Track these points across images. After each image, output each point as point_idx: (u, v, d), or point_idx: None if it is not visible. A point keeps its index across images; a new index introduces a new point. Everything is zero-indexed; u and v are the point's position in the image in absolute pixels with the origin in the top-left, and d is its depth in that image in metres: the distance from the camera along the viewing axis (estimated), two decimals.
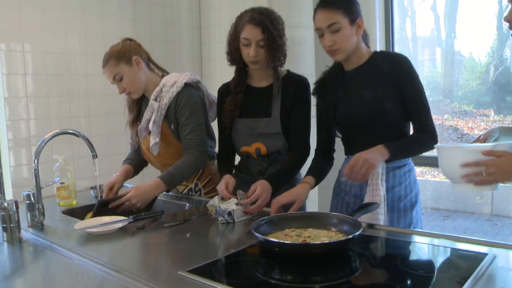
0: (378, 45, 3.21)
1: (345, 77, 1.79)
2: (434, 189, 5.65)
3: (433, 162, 3.50)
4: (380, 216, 1.64)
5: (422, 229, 1.77)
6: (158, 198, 2.01)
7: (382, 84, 1.69)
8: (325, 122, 1.86)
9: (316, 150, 1.95)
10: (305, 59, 3.09)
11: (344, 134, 1.86)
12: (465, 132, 6.42)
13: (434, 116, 1.73)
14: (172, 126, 2.07)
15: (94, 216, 1.75)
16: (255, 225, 1.38)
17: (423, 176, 5.77)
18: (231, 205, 1.67)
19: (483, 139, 1.69)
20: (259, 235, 1.30)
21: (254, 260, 1.31)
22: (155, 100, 2.06)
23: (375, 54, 1.77)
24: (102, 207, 1.79)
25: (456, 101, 6.11)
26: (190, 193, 2.20)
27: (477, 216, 5.99)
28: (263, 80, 1.98)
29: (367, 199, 1.67)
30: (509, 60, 5.90)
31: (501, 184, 1.42)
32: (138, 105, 2.21)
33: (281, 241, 1.29)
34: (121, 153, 2.41)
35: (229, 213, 1.65)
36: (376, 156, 1.60)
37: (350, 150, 1.84)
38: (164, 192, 1.99)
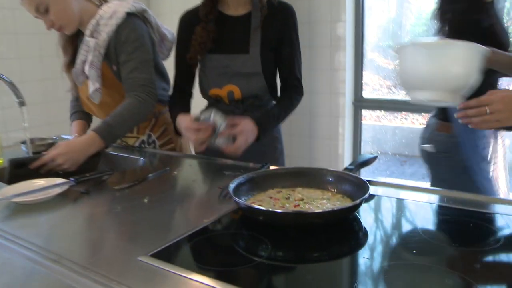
0: None
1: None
2: (393, 134, 5.55)
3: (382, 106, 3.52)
4: None
5: None
6: (106, 151, 1.68)
7: None
8: None
9: None
10: None
11: None
12: None
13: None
14: (114, 67, 1.70)
15: (9, 183, 1.37)
16: (232, 185, 1.10)
17: (380, 121, 5.67)
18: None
19: None
20: (241, 201, 1.02)
21: (234, 234, 1.03)
22: (92, 36, 1.67)
23: None
24: (19, 169, 1.42)
25: None
26: (143, 145, 1.88)
27: None
28: (239, 6, 1.62)
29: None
30: None
31: None
32: (74, 44, 1.80)
33: (270, 209, 1.01)
34: (59, 100, 2.04)
35: None
36: None
37: None
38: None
